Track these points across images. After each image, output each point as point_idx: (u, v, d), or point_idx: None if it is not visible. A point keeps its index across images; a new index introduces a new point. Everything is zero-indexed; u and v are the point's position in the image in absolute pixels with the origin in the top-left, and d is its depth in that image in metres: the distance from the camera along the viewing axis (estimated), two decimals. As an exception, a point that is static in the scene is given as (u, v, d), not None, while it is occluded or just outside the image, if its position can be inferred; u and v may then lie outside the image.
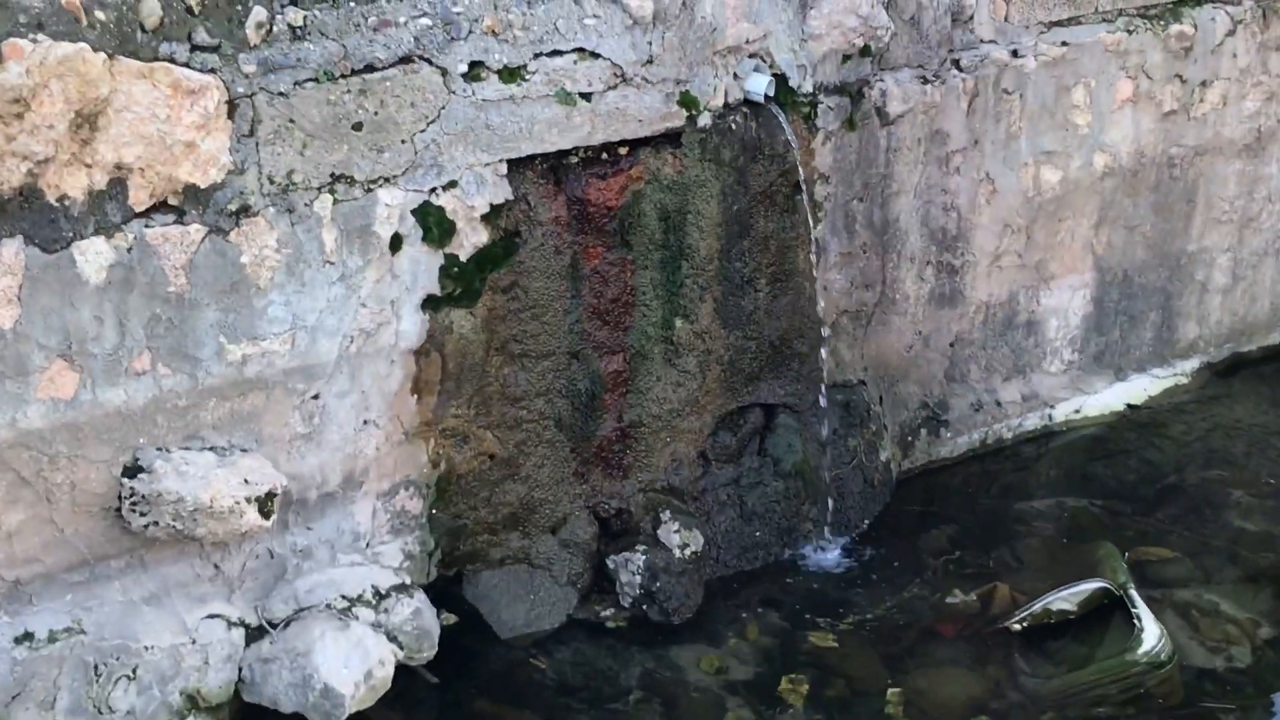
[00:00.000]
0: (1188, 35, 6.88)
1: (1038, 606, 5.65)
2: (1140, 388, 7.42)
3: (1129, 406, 7.35)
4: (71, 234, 4.23)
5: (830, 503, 6.10)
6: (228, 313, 4.56)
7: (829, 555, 6.07)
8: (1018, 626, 5.63)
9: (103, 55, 4.14)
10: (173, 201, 4.41)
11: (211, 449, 4.64)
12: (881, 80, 6.00)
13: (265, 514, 4.56)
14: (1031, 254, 6.77)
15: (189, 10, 4.36)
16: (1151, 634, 5.49)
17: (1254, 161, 7.43)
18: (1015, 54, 6.39)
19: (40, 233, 4.17)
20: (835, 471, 6.11)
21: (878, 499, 6.30)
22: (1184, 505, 6.71)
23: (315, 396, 4.83)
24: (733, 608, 5.77)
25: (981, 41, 6.31)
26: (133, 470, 4.46)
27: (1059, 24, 6.57)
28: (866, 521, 6.26)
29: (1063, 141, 6.66)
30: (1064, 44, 6.53)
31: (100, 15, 4.17)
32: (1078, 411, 7.18)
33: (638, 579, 5.50)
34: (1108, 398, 7.29)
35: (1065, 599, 5.66)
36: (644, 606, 5.53)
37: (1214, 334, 7.71)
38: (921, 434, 6.62)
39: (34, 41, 4.02)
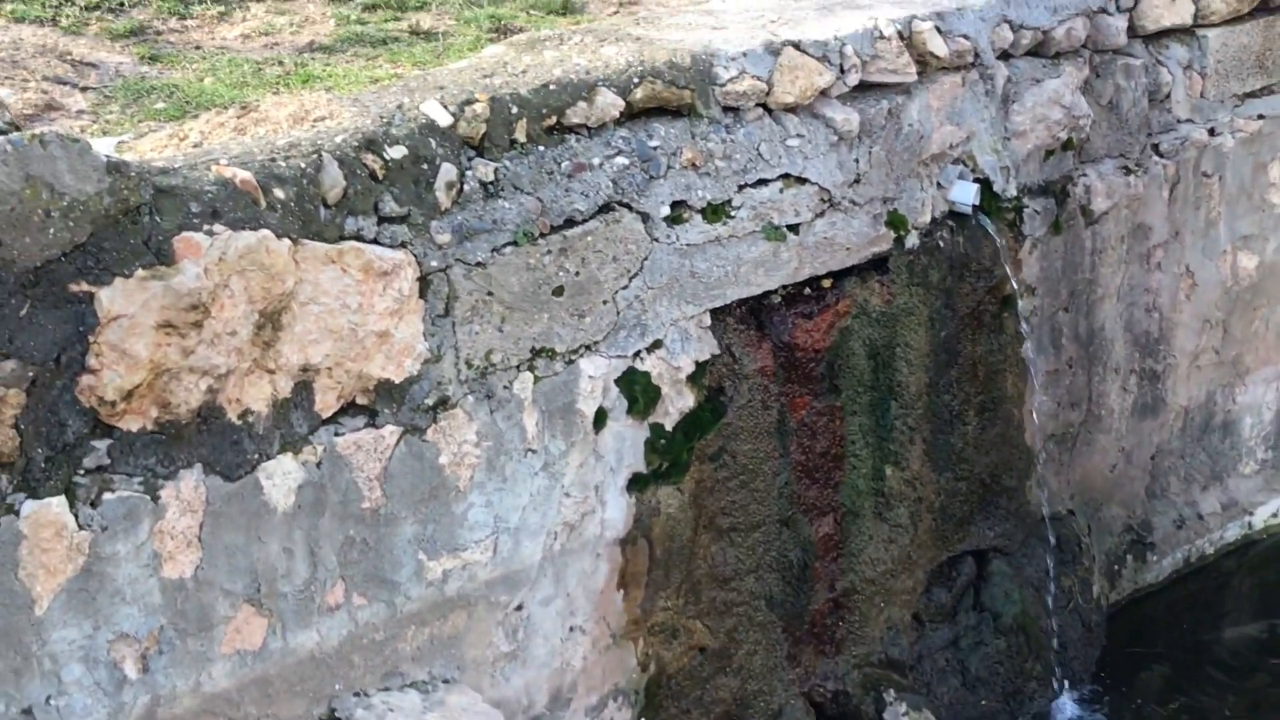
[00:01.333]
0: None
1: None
2: (1335, 482, 6.74)
3: (1327, 505, 6.67)
4: (256, 455, 3.50)
5: (1053, 656, 5.38)
6: (426, 524, 3.84)
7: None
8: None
9: (287, 241, 3.41)
10: (362, 401, 3.68)
11: (413, 685, 3.90)
12: (1085, 175, 5.33)
13: (482, 760, 3.84)
14: (1229, 349, 6.08)
15: (373, 176, 3.64)
16: None
17: None
18: (1212, 132, 5.73)
19: (221, 458, 3.44)
20: (1057, 618, 5.40)
21: (1095, 643, 5.60)
22: None
23: (519, 607, 4.10)
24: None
25: (1179, 121, 5.64)
26: (328, 722, 3.74)
27: (1253, 95, 5.90)
28: (1088, 672, 5.54)
29: (1259, 224, 5.99)
30: (1260, 116, 5.88)
31: (279, 193, 3.45)
32: (1275, 515, 6.49)
33: (869, 772, 4.78)
34: (1304, 497, 6.61)
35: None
36: (880, 803, 4.81)
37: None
38: (1128, 560, 5.92)
39: (210, 234, 3.29)
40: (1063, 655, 5.42)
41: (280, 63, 4.61)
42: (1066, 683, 5.43)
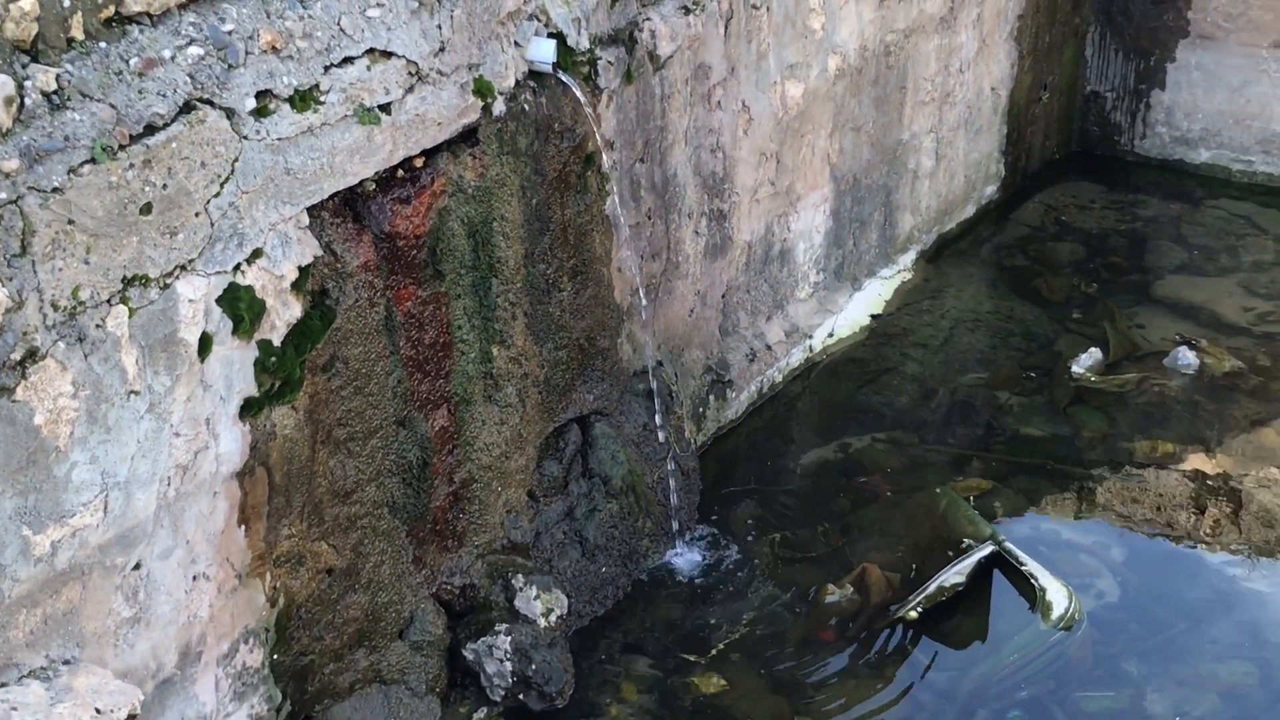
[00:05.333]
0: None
1: (931, 586, 5.11)
2: (875, 293, 6.95)
3: (872, 318, 6.88)
4: None
5: (660, 509, 5.33)
6: (27, 495, 3.32)
7: (675, 575, 5.31)
8: (915, 614, 5.06)
9: None
10: (-65, 367, 3.11)
11: (32, 675, 3.41)
12: (649, 19, 5.13)
13: (125, 743, 3.41)
14: (782, 179, 6.10)
15: (-85, 97, 3.03)
16: (1059, 596, 5.06)
17: (948, 33, 6.99)
18: (754, -40, 5.64)
19: None
20: (659, 471, 5.33)
21: (694, 489, 5.58)
22: (966, 422, 6.32)
23: (137, 566, 3.65)
24: (599, 666, 4.95)
25: (725, -46, 5.51)
26: (-60, 739, 3.21)
27: (789, -78, 5.83)
28: (693, 520, 5.52)
29: (803, 51, 5.99)
30: (800, -57, 5.83)
31: None
32: (831, 335, 6.63)
33: (508, 666, 4.59)
34: (852, 312, 6.78)
35: (958, 572, 5.12)
36: (521, 696, 4.64)
37: (925, 220, 7.33)
38: (710, 401, 5.91)
39: None
40: (668, 507, 5.37)
41: None
42: (675, 534, 5.39)
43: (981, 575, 5.24)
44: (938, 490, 5.69)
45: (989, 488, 5.85)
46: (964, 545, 5.34)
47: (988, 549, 5.17)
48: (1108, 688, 4.92)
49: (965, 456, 6.07)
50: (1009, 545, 5.22)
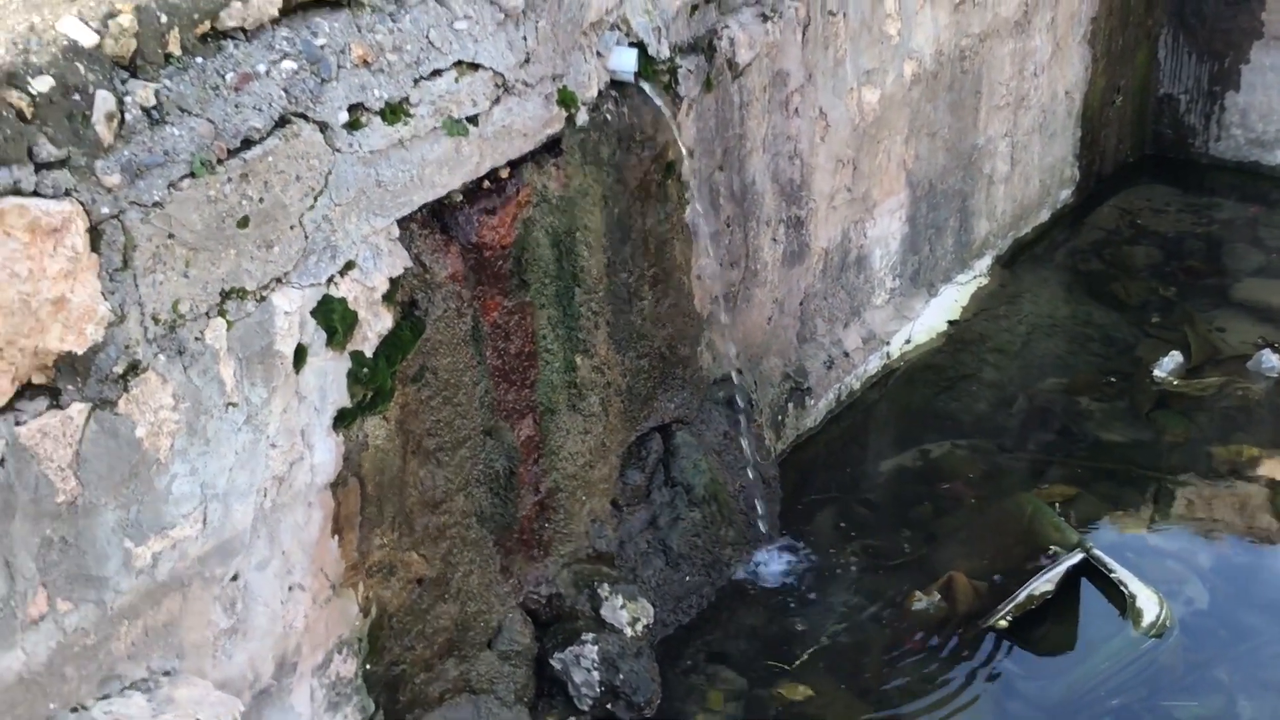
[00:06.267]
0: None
1: (1021, 595, 5.06)
2: (951, 300, 6.92)
3: (949, 324, 6.85)
4: (-69, 467, 2.93)
5: (743, 518, 5.32)
6: (129, 507, 3.35)
7: (759, 584, 5.30)
8: (1005, 623, 5.02)
9: (-62, 209, 2.83)
10: (40, 380, 3.14)
11: (134, 686, 3.43)
12: (727, 26, 5.13)
13: (225, 754, 3.43)
14: (859, 185, 6.08)
15: (21, 116, 3.05)
16: (1149, 603, 5.01)
17: (1022, 37, 6.95)
18: (835, -32, 5.63)
19: (-110, 478, 2.87)
20: (741, 480, 5.32)
21: (775, 499, 5.56)
22: (1046, 428, 6.28)
23: (235, 578, 3.67)
24: (685, 675, 4.94)
25: (801, -41, 5.51)
26: (43, 748, 3.24)
27: (868, -72, 5.82)
28: (775, 529, 5.50)
29: (879, 57, 5.97)
30: (874, -51, 5.81)
31: (-83, 150, 2.85)
32: (908, 341, 6.61)
33: (595, 675, 4.59)
34: (929, 319, 6.75)
35: (1048, 581, 5.08)
36: (609, 706, 4.64)
37: (1000, 226, 7.29)
38: (789, 409, 5.90)
39: None
40: (750, 516, 5.36)
41: None
42: (759, 543, 5.37)
43: (1069, 582, 5.19)
44: (1021, 496, 5.65)
45: (1073, 494, 5.80)
46: (1051, 552, 5.29)
47: (1077, 557, 5.12)
48: (1198, 695, 4.88)
49: (1046, 462, 6.02)
50: (1097, 552, 5.17)
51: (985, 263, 7.18)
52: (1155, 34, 8.21)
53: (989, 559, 5.37)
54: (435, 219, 4.13)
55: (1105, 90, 7.88)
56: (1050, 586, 5.08)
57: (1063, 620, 5.13)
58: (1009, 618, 5.02)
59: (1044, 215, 7.66)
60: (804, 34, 5.48)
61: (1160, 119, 8.43)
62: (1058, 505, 5.60)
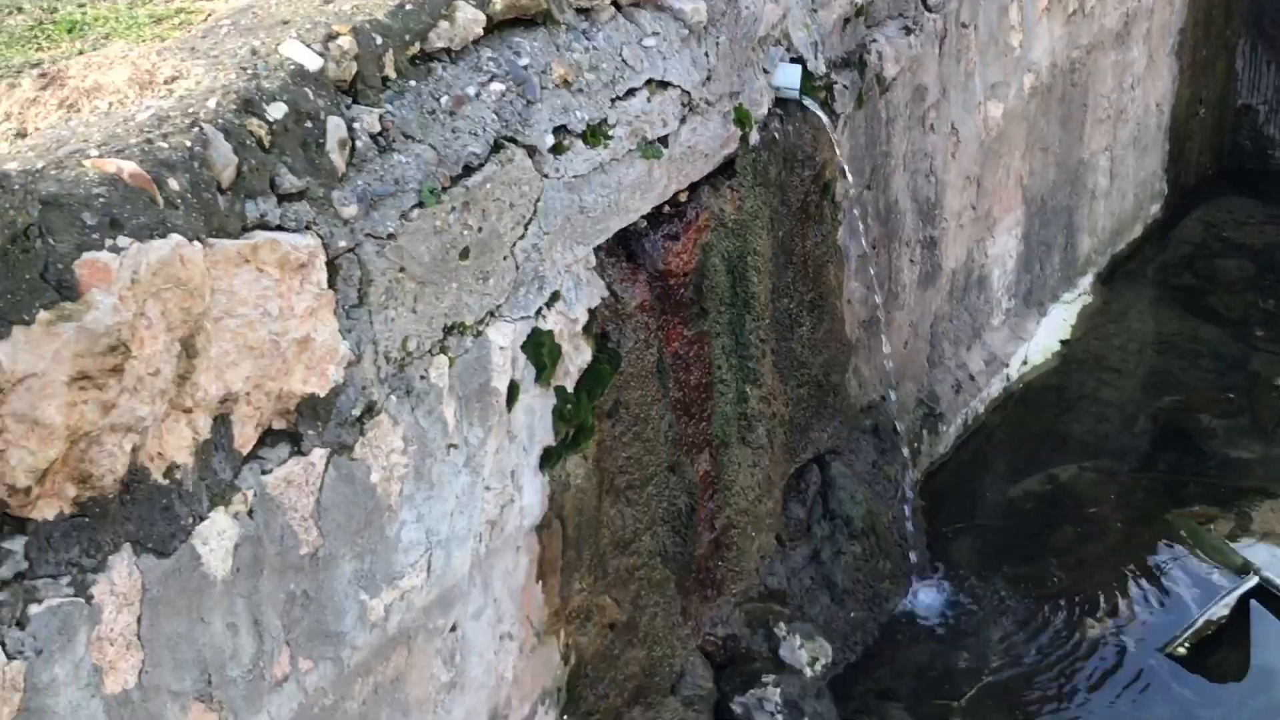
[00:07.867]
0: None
1: (1199, 621, 4.90)
2: (1060, 319, 6.77)
3: (1062, 343, 6.70)
4: (189, 518, 2.74)
5: (899, 550, 5.14)
6: (364, 557, 3.15)
7: (915, 617, 5.12)
8: (1183, 650, 4.85)
9: (198, 245, 2.64)
10: (280, 425, 2.95)
11: (366, 749, 3.23)
12: (875, 40, 4.98)
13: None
14: (983, 203, 5.93)
15: (261, 145, 2.87)
16: (1330, 626, 4.85)
17: (1122, 49, 6.83)
18: (962, -23, 5.49)
19: (152, 530, 2.67)
20: (893, 510, 5.15)
21: (922, 528, 5.39)
22: (1173, 447, 6.13)
23: (453, 628, 3.48)
24: (855, 715, 4.75)
25: (932, -30, 5.37)
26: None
27: (992, -61, 5.69)
28: (927, 560, 5.33)
29: (1004, 70, 5.83)
30: (1001, -41, 5.68)
31: (174, 184, 2.66)
32: (1025, 363, 6.45)
33: (779, 718, 4.40)
34: (1043, 339, 6.60)
35: (1224, 605, 4.92)
36: (794, 748, 4.44)
37: (1100, 242, 7.15)
38: (924, 435, 5.73)
39: (116, 250, 2.49)
40: (904, 547, 5.18)
41: (19, 9, 3.65)
42: (913, 575, 5.20)
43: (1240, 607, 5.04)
44: (1169, 517, 5.49)
45: (1216, 514, 5.65)
46: (1210, 575, 5.13)
47: (1252, 580, 4.96)
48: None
49: (1180, 482, 5.88)
50: (1268, 574, 5.01)
51: (1088, 280, 7.04)
52: (1233, 45, 8.10)
53: (1146, 583, 5.20)
54: (621, 246, 3.95)
55: (1190, 102, 7.77)
56: (1225, 611, 4.91)
57: (1236, 645, 4.96)
58: (1187, 644, 4.84)
59: (1138, 230, 7.54)
60: (941, 46, 5.34)
61: (1239, 130, 8.32)
62: (1213, 526, 5.43)
